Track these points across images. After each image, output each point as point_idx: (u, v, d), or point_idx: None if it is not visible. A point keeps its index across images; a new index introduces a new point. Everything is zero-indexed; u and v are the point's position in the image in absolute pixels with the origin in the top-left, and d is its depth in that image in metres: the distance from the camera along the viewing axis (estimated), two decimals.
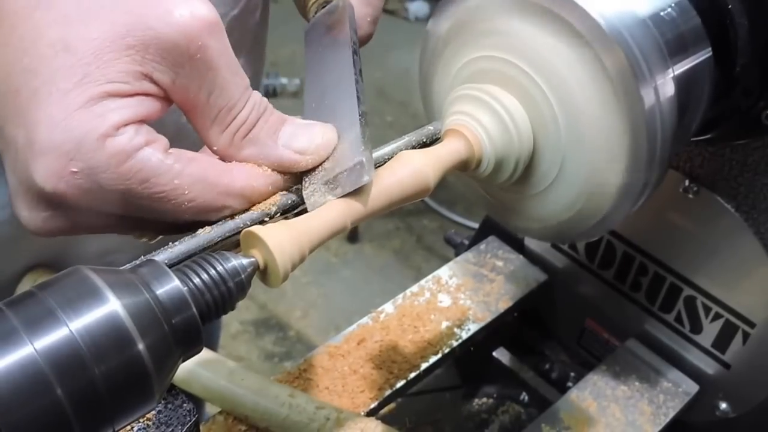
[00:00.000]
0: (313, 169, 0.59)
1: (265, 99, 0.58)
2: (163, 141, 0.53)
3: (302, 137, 0.58)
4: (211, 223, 0.55)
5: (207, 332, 0.48)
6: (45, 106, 0.49)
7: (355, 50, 0.69)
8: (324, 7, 0.77)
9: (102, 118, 0.49)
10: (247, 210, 0.56)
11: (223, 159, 0.57)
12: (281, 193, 0.58)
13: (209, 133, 0.56)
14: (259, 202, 0.57)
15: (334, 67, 0.68)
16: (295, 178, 0.59)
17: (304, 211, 0.57)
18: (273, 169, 0.57)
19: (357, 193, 0.57)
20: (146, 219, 0.55)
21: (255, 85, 1.13)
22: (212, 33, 0.52)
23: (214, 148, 0.56)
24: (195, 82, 0.53)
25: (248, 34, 1.00)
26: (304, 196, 0.57)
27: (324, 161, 0.59)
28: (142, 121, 0.52)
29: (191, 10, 0.51)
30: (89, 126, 0.49)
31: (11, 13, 0.50)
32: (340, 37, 0.71)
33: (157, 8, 0.50)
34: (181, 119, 0.56)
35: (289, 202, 0.57)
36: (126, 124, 0.50)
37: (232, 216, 0.55)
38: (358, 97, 0.63)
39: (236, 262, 0.50)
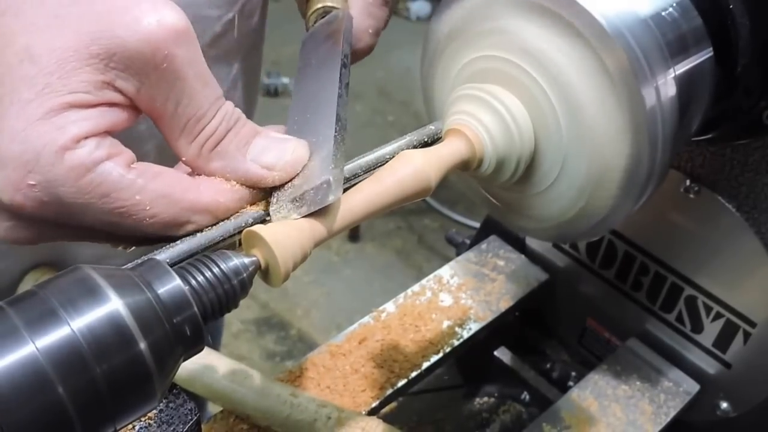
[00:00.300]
0: (283, 184, 0.57)
1: (238, 110, 0.57)
2: (127, 155, 0.52)
3: (272, 152, 0.57)
4: (175, 238, 0.54)
5: (209, 331, 0.48)
6: (6, 116, 0.48)
7: (344, 63, 0.68)
8: (324, 17, 0.76)
9: (61, 131, 0.48)
10: (214, 224, 0.55)
11: (192, 170, 0.56)
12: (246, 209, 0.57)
13: (178, 144, 0.55)
14: (226, 218, 0.56)
15: (321, 80, 0.67)
16: (265, 193, 0.58)
17: None
18: (241, 184, 0.56)
19: (358, 192, 0.57)
20: (110, 233, 0.54)
21: (251, 90, 1.13)
22: (179, 42, 0.51)
23: (183, 158, 0.56)
24: (162, 92, 0.52)
25: (244, 39, 0.99)
26: (271, 212, 0.56)
27: (294, 177, 0.58)
28: (106, 133, 0.51)
29: (159, 18, 0.50)
30: (48, 138, 0.48)
31: None
32: (334, 48, 0.70)
33: (125, 16, 0.50)
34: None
35: (256, 217, 0.56)
36: (87, 137, 0.49)
37: (221, 220, 0.55)
38: (337, 114, 0.61)
39: (238, 261, 0.50)
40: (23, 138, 0.48)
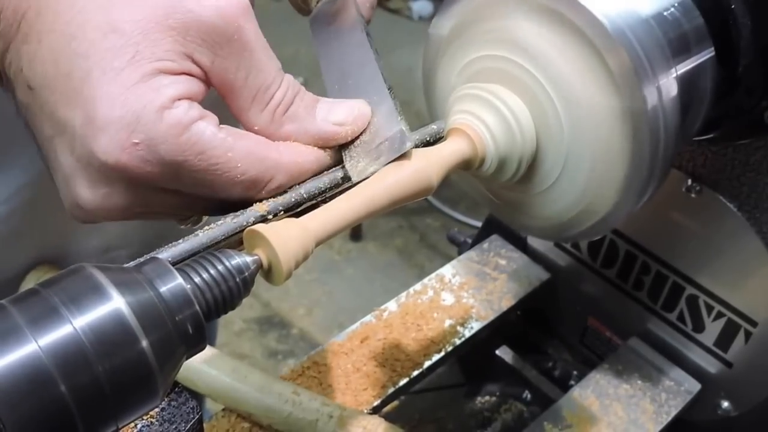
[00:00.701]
0: (351, 143, 0.60)
1: (297, 81, 0.59)
2: (214, 117, 0.54)
3: (339, 110, 0.60)
4: (256, 201, 0.56)
5: (207, 329, 0.49)
6: (101, 84, 0.50)
7: (367, 32, 0.70)
8: None
9: (158, 92, 0.51)
10: (288, 189, 0.57)
11: (266, 137, 0.58)
12: (284, 193, 0.58)
13: (249, 114, 0.57)
14: (303, 179, 0.58)
15: (350, 50, 0.70)
16: (336, 155, 0.60)
17: (307, 210, 0.57)
18: (314, 144, 0.59)
19: (360, 191, 0.57)
20: (196, 196, 0.56)
21: None
22: (246, 16, 0.54)
23: (255, 128, 0.57)
24: (233, 63, 0.54)
25: None
26: (348, 169, 0.59)
27: (361, 135, 0.60)
28: (190, 99, 0.53)
29: None
30: (147, 99, 0.51)
31: (54, 1, 0.52)
32: (347, 22, 0.72)
33: None
34: None
35: (292, 199, 0.57)
36: (180, 98, 0.52)
37: (234, 215, 0.55)
38: (382, 74, 0.64)
39: (240, 260, 0.50)
40: (123, 101, 0.50)
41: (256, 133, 0.58)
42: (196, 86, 0.54)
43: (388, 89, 0.63)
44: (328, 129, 0.59)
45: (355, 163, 0.59)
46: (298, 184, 0.58)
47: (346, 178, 0.59)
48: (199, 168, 0.53)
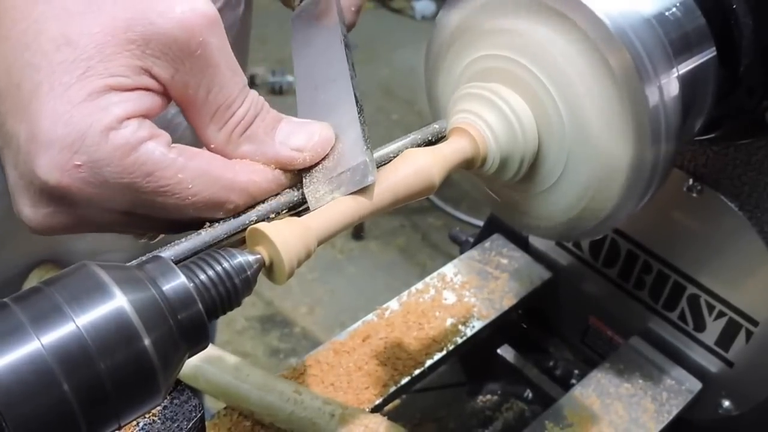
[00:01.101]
0: (313, 166, 0.58)
1: (262, 98, 0.57)
2: (166, 136, 0.52)
3: (299, 135, 0.58)
4: (213, 221, 0.55)
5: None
6: (47, 100, 0.48)
7: (346, 43, 0.68)
8: None
9: (105, 111, 0.49)
10: (252, 207, 0.56)
11: (222, 156, 0.56)
12: (285, 191, 0.58)
13: (207, 131, 0.55)
14: (261, 199, 0.56)
15: (326, 61, 0.68)
16: (297, 176, 0.58)
17: (309, 209, 0.57)
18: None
19: (364, 190, 0.57)
20: (149, 216, 0.54)
21: None
22: (212, 29, 0.52)
23: (212, 145, 0.56)
24: (194, 79, 0.53)
25: (229, 29, 0.99)
26: (306, 194, 0.57)
27: (323, 159, 0.58)
28: (143, 116, 0.51)
29: (192, 6, 0.51)
30: (93, 119, 0.49)
31: (11, 7, 0.50)
32: (328, 28, 0.71)
33: (158, 4, 0.50)
34: (166, 116, 0.56)
35: (294, 199, 0.57)
36: (129, 118, 0.50)
37: (236, 214, 0.55)
38: (355, 95, 0.62)
39: (242, 258, 0.50)
40: (67, 120, 0.48)
41: (213, 151, 0.56)
42: (151, 102, 0.52)
43: (359, 111, 0.61)
44: (285, 154, 0.57)
45: (314, 189, 0.57)
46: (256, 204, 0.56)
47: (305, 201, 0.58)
48: (148, 190, 0.51)
